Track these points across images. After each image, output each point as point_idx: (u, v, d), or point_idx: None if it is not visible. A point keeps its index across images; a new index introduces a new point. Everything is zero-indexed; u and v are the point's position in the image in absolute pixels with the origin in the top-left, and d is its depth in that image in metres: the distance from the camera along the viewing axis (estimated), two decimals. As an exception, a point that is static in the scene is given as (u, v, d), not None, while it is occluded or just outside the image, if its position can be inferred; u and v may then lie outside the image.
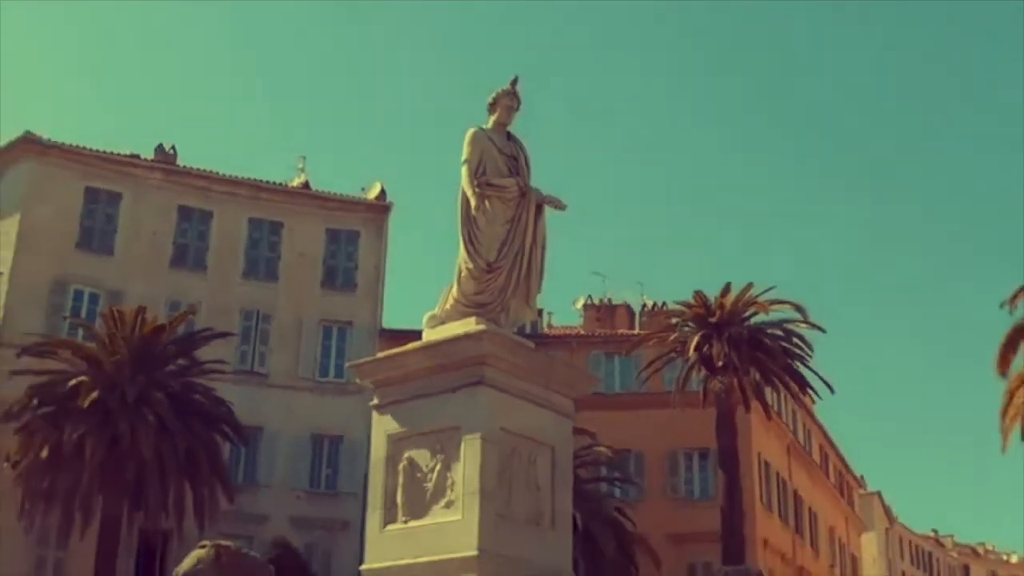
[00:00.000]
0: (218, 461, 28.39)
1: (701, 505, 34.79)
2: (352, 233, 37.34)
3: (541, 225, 10.94)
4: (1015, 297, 25.72)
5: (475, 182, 10.55)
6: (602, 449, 30.61)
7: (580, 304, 44.55)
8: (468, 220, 10.78)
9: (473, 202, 10.57)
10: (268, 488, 33.30)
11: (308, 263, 36.46)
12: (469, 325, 10.12)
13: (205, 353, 29.46)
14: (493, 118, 11.03)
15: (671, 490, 37.30)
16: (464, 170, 10.63)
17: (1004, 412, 25.44)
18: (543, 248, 10.99)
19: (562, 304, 46.78)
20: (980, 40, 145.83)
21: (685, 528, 33.31)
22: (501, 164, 10.88)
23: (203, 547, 9.03)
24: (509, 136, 11.18)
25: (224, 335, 30.68)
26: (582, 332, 42.21)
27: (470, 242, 10.70)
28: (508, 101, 10.97)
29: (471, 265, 10.67)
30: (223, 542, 9.48)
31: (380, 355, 12.29)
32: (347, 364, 28.71)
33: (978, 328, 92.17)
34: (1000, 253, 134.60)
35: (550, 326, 41.92)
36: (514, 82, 11.04)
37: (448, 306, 10.79)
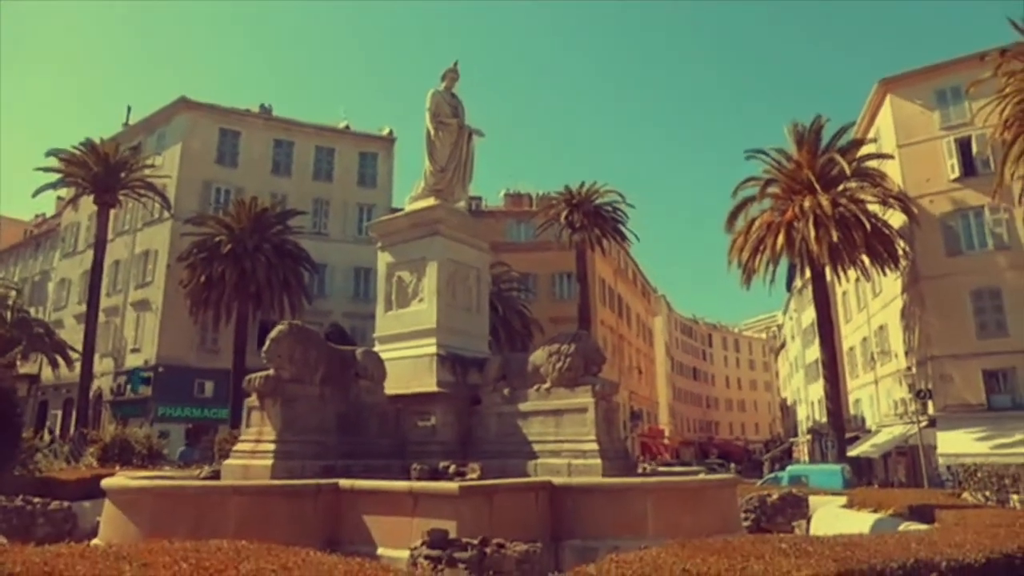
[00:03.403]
0: (301, 282, 35.70)
1: (567, 302, 42.87)
2: (374, 155, 45.24)
3: (472, 145, 13.44)
4: (735, 193, 32.94)
5: (433, 121, 13.01)
6: (514, 273, 39.74)
7: (502, 193, 54.13)
8: (430, 143, 13.15)
9: (432, 132, 13.05)
10: (331, 297, 40.37)
11: (349, 172, 44.19)
12: (430, 202, 12.70)
13: (294, 223, 36.67)
14: (444, 84, 13.45)
15: (551, 294, 46.56)
16: (427, 114, 13.10)
17: (730, 251, 32.77)
18: (473, 159, 13.55)
19: (492, 193, 58.19)
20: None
21: (559, 314, 41.40)
22: (448, 110, 13.21)
23: (282, 324, 10.37)
24: (453, 95, 13.45)
25: (302, 213, 38.03)
26: (503, 209, 51.30)
27: (430, 155, 13.11)
28: (452, 75, 13.43)
29: (431, 168, 13.11)
30: (294, 321, 10.89)
31: (383, 218, 14.53)
32: (365, 224, 36.47)
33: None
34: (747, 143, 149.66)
35: (486, 205, 50.79)
36: (455, 64, 13.47)
37: (419, 192, 13.19)
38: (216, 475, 10.14)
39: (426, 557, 5.49)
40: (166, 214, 38.10)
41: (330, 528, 8.27)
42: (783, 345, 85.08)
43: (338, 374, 10.84)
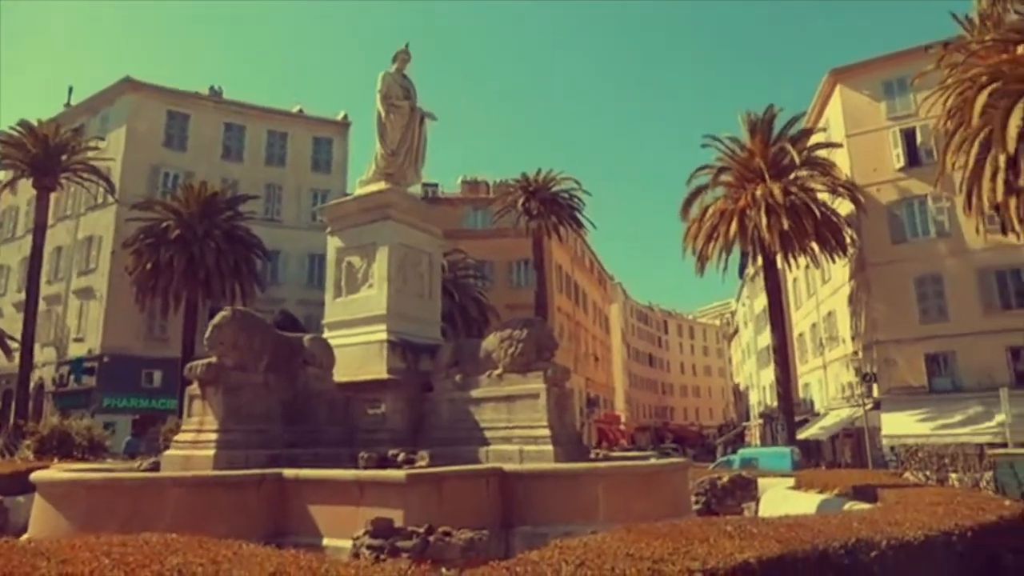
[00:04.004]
0: (253, 269, 35.04)
1: (524, 289, 43.10)
2: (328, 140, 44.55)
3: (424, 129, 13.20)
4: (690, 181, 33.40)
5: (384, 104, 12.76)
6: (471, 260, 39.57)
7: (459, 180, 54.17)
8: (381, 125, 12.84)
9: (383, 114, 12.80)
10: (284, 285, 39.83)
11: (303, 157, 43.45)
12: (381, 186, 12.53)
13: (245, 209, 35.86)
14: (395, 66, 13.20)
15: (508, 281, 46.04)
16: (378, 96, 12.82)
17: (684, 238, 33.33)
18: (425, 142, 13.25)
19: (449, 180, 56.90)
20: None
21: (516, 301, 40.88)
22: (399, 92, 12.99)
23: (225, 310, 10.11)
24: (405, 76, 13.25)
25: (254, 197, 37.37)
26: (460, 196, 50.84)
27: (381, 138, 12.86)
28: (404, 56, 13.20)
29: (382, 151, 12.83)
30: (238, 307, 11.13)
31: (332, 202, 13.98)
32: (314, 207, 35.01)
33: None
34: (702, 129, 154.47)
35: (443, 192, 50.48)
36: (406, 45, 13.25)
37: (370, 175, 13.02)
38: (156, 467, 9.83)
39: (368, 547, 5.34)
40: (110, 199, 36.83)
41: (274, 520, 8.07)
42: (736, 331, 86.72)
43: (285, 361, 10.56)
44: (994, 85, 18.88)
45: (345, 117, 45.91)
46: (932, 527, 5.42)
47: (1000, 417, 23.12)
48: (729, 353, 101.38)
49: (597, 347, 63.85)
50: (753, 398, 68.99)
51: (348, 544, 6.39)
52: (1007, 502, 7.55)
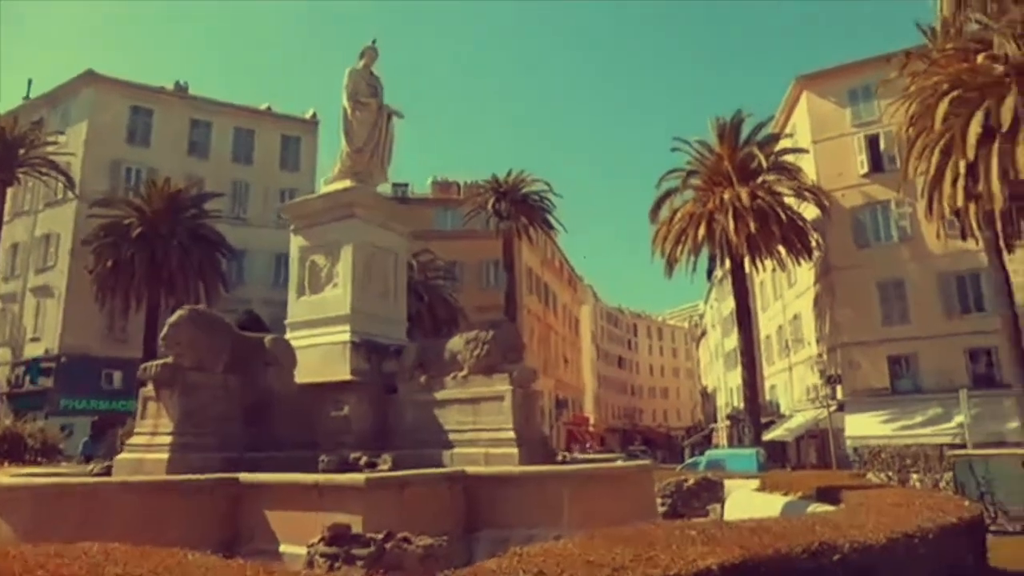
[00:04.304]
0: (218, 268, 34.55)
1: (494, 291, 41.97)
2: (296, 138, 43.99)
3: (391, 127, 12.92)
4: (659, 184, 34.04)
5: (350, 101, 12.51)
6: (440, 262, 39.31)
7: (430, 181, 53.98)
8: (347, 123, 12.58)
9: (349, 112, 12.53)
10: (250, 285, 38.70)
11: (271, 155, 42.79)
12: (346, 184, 12.27)
13: (211, 207, 35.13)
14: (362, 62, 12.93)
15: (478, 283, 45.60)
16: (344, 93, 12.53)
17: (653, 241, 33.63)
18: (392, 140, 12.98)
19: (421, 181, 56.12)
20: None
21: (485, 303, 39.72)
22: (366, 89, 12.69)
23: (183, 309, 9.86)
24: (372, 73, 12.91)
25: (220, 195, 36.72)
26: (431, 197, 50.85)
27: (347, 136, 12.62)
28: (371, 53, 12.92)
29: (348, 149, 12.58)
30: (197, 306, 10.67)
31: (296, 200, 13.92)
32: (277, 206, 31.55)
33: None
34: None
35: (413, 192, 50.27)
36: (374, 41, 13.10)
37: (335, 173, 12.83)
38: (109, 471, 9.47)
39: (323, 555, 5.16)
40: (70, 195, 35.85)
41: (230, 526, 7.84)
42: (704, 334, 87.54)
43: (245, 362, 10.29)
44: (955, 93, 19.25)
45: (314, 115, 45.33)
46: (894, 529, 5.42)
47: (959, 418, 23.55)
48: (697, 355, 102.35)
49: (567, 349, 63.93)
50: (720, 400, 69.66)
51: (305, 551, 6.18)
52: (966, 503, 7.63)
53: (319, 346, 11.38)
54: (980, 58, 18.69)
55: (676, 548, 4.42)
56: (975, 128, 17.88)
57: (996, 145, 17.47)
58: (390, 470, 8.38)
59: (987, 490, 12.89)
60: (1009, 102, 17.36)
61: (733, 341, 44.05)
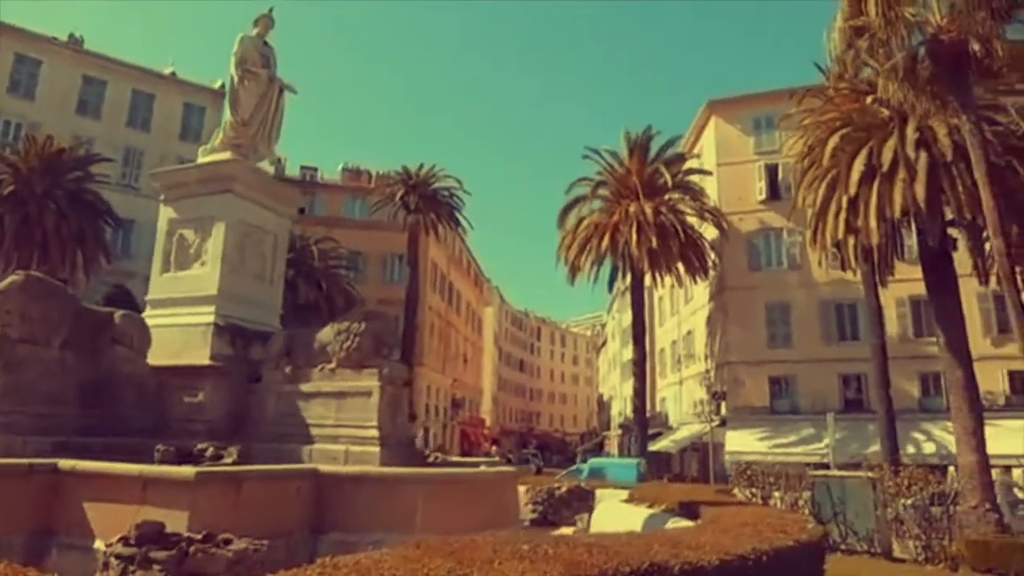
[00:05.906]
0: (101, 237, 31.56)
1: (397, 285, 41.22)
2: (201, 108, 41.54)
3: (282, 101, 12.39)
4: (569, 191, 34.26)
5: (239, 69, 12.00)
6: (342, 250, 38.14)
7: (340, 168, 52.02)
8: (233, 92, 12.24)
9: (236, 80, 12.11)
10: (137, 258, 33.83)
11: (170, 122, 40.31)
12: (226, 156, 11.69)
13: (98, 171, 32.29)
14: (256, 30, 12.34)
15: (382, 275, 44.99)
16: (233, 60, 11.94)
17: (559, 248, 33.82)
18: (282, 115, 12.42)
19: (331, 167, 55.01)
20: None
21: (387, 296, 39.04)
22: (258, 59, 12.19)
23: (17, 274, 8.91)
24: (266, 43, 12.37)
25: (109, 160, 33.76)
26: (341, 184, 49.01)
27: (233, 106, 12.23)
28: (267, 21, 12.34)
29: (233, 120, 12.12)
30: (34, 272, 9.32)
31: (168, 168, 13.65)
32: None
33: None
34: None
35: (322, 178, 48.57)
36: (271, 10, 12.42)
37: (216, 144, 12.28)
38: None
39: (118, 556, 4.58)
40: (-64, 144, 32.56)
41: (44, 517, 7.10)
42: (605, 343, 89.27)
43: (89, 338, 9.41)
44: (844, 130, 20.18)
45: (223, 86, 42.56)
46: (729, 551, 5.34)
47: (828, 439, 24.79)
48: (597, 363, 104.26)
49: (468, 348, 63.62)
50: (615, 408, 71.13)
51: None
52: (810, 525, 7.76)
53: (180, 326, 10.66)
54: (869, 100, 19.67)
55: (498, 565, 4.17)
56: (859, 166, 18.78)
57: (876, 184, 18.39)
58: (235, 463, 7.79)
59: (840, 510, 13.46)
60: (890, 144, 18.32)
61: (630, 352, 44.94)
